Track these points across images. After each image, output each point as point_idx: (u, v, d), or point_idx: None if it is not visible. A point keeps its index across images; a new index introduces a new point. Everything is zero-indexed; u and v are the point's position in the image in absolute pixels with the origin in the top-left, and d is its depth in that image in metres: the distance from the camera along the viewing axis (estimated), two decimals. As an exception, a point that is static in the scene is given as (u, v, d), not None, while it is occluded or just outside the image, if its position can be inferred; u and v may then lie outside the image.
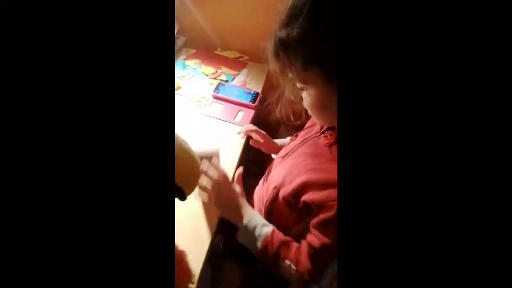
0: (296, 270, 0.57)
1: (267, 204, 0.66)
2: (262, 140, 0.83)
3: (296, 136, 0.73)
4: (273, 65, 0.50)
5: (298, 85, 0.50)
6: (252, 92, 1.03)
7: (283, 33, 0.45)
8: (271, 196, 0.64)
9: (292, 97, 0.55)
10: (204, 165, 0.62)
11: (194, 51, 1.22)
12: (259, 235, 0.60)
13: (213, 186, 0.62)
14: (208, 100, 0.99)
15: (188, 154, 0.47)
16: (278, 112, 0.62)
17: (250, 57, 1.23)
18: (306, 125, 0.72)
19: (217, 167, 0.64)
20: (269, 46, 0.49)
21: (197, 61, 1.15)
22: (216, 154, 0.65)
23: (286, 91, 0.55)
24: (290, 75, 0.50)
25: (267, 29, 1.35)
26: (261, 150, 0.87)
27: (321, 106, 0.52)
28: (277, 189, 0.63)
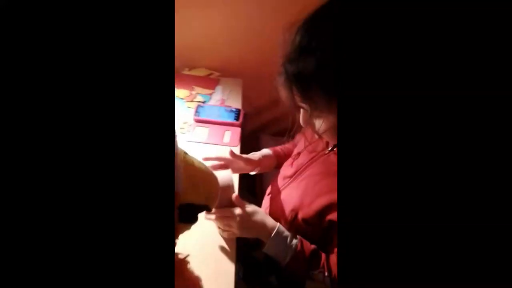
0: (330, 277, 0.59)
1: (285, 226, 0.64)
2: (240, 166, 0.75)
3: (299, 154, 0.71)
4: (284, 96, 0.50)
5: (314, 113, 0.50)
6: (234, 109, 1.00)
7: (295, 67, 0.45)
8: (289, 219, 0.64)
9: (305, 124, 0.55)
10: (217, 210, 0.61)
11: (161, 75, 1.15)
12: (289, 246, 0.60)
13: (234, 222, 0.60)
14: (190, 125, 0.94)
15: (205, 171, 0.46)
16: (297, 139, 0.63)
17: (221, 73, 1.20)
18: (306, 142, 0.71)
19: (229, 201, 0.62)
20: (279, 79, 0.49)
21: (168, 85, 1.10)
22: (229, 184, 0.62)
23: (301, 119, 0.55)
24: (303, 105, 0.50)
25: (236, 43, 1.32)
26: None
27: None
28: (295, 212, 0.63)
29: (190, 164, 0.42)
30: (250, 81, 1.17)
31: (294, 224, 0.64)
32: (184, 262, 0.40)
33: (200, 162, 0.46)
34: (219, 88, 1.11)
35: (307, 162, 0.67)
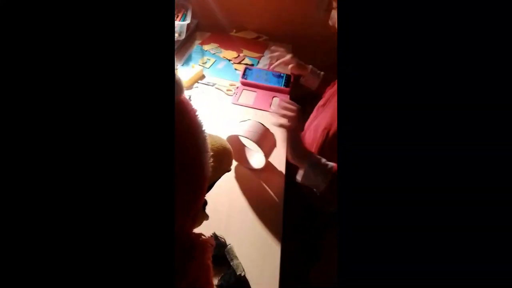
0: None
1: (318, 146, 0.69)
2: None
3: (335, 83, 0.79)
4: None
5: None
6: (282, 74, 0.94)
7: None
8: (321, 138, 0.68)
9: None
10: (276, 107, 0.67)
11: (208, 34, 1.11)
12: (328, 168, 0.60)
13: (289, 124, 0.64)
14: (237, 87, 0.90)
15: (217, 145, 0.42)
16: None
17: (268, 37, 1.14)
18: None
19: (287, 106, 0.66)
20: None
21: (215, 45, 1.05)
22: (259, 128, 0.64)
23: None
24: None
25: (286, 7, 1.24)
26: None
27: None
28: (328, 129, 0.67)
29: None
30: (298, 47, 1.10)
31: (327, 143, 0.67)
32: (206, 246, 0.35)
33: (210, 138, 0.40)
34: (267, 53, 1.05)
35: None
